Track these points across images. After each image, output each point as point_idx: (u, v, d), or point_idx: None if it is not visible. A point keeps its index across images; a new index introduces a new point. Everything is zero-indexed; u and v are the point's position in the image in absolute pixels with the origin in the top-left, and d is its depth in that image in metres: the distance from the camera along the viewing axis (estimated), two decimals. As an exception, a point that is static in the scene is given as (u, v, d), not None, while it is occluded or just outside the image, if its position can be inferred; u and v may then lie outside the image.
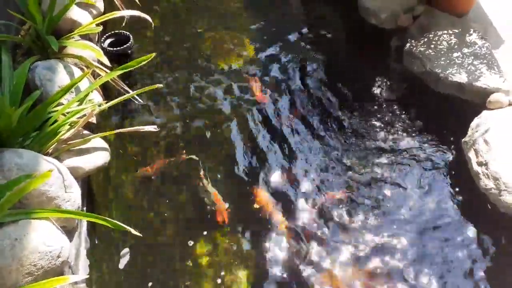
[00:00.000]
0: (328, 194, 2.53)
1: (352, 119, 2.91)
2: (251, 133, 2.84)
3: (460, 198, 2.50)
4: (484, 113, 2.60)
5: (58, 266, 1.73)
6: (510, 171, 2.27)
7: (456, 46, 2.92)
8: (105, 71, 2.52)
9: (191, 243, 2.31)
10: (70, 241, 1.95)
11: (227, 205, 2.45)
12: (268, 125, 2.89)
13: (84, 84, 2.33)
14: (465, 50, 2.89)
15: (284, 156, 2.72)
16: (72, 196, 1.93)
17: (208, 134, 2.84)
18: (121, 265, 2.20)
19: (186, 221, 2.41)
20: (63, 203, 1.88)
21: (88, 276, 1.93)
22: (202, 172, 2.59)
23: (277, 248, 2.30)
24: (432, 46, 2.96)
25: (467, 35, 2.97)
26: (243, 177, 2.61)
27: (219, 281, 2.19)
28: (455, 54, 2.88)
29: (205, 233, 2.34)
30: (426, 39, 3.01)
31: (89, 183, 2.47)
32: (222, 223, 2.38)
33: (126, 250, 2.26)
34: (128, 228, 1.86)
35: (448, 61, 2.85)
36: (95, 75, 2.64)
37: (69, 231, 1.99)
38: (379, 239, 2.34)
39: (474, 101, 2.73)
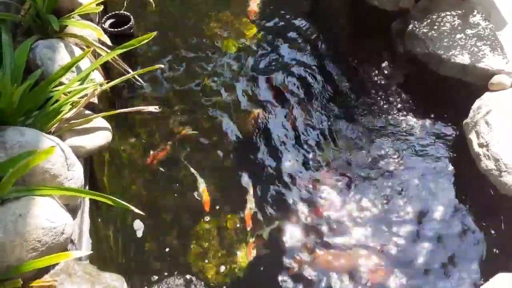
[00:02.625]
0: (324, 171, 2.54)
1: (352, 101, 2.91)
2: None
3: (461, 179, 2.51)
4: (486, 95, 2.59)
5: (62, 242, 1.76)
6: (511, 152, 2.27)
7: (459, 28, 2.90)
8: (106, 51, 2.50)
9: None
10: (73, 219, 1.96)
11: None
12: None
13: (85, 64, 2.33)
14: (468, 31, 2.87)
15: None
16: (74, 175, 1.94)
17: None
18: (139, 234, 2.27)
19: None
20: (66, 181, 1.89)
21: (91, 252, 1.95)
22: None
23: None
24: (435, 27, 2.93)
25: (470, 16, 2.94)
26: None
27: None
28: (458, 36, 2.86)
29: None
30: (429, 21, 2.98)
31: (91, 163, 2.47)
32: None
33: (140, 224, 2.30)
34: (130, 206, 1.87)
35: (451, 43, 2.83)
36: (96, 56, 2.62)
37: (72, 210, 2.00)
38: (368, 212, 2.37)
39: (476, 83, 2.72)
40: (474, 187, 2.45)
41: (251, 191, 2.47)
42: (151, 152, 2.61)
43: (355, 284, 2.14)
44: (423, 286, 2.14)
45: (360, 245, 2.27)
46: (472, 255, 2.23)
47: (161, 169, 2.56)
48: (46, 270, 1.72)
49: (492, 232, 2.29)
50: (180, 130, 2.73)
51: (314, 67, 3.12)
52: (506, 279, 1.84)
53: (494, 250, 2.23)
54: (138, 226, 2.31)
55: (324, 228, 2.33)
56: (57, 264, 1.74)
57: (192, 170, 2.54)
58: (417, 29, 2.96)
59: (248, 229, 2.33)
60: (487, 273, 2.04)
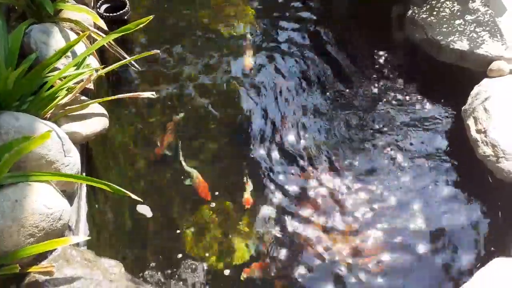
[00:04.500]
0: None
1: (351, 87, 2.89)
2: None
3: (458, 165, 2.52)
4: (485, 81, 2.58)
5: (59, 228, 1.75)
6: (508, 138, 2.27)
7: (458, 13, 2.88)
8: (101, 35, 2.46)
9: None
10: (70, 205, 1.95)
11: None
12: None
13: (80, 49, 2.29)
14: (468, 17, 2.85)
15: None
16: (71, 161, 1.92)
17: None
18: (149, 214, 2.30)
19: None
20: (63, 168, 1.88)
21: (89, 238, 1.94)
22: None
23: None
24: (435, 13, 2.91)
25: (470, 2, 2.92)
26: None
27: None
28: (457, 22, 2.84)
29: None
30: (428, 6, 2.96)
31: (88, 149, 2.46)
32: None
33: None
34: (128, 192, 1.86)
35: (450, 29, 2.81)
36: (91, 42, 2.58)
37: (69, 196, 1.99)
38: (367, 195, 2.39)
39: (475, 70, 2.70)
40: (471, 173, 2.46)
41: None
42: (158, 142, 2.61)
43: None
44: (416, 270, 2.15)
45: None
46: (468, 240, 2.24)
47: (167, 152, 2.56)
48: (44, 256, 1.71)
49: (489, 217, 2.30)
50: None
51: (313, 51, 3.10)
52: (502, 263, 1.86)
53: (491, 235, 2.24)
54: (145, 210, 2.30)
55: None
56: (54, 250, 1.74)
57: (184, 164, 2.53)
58: (417, 15, 2.93)
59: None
60: (483, 258, 2.06)
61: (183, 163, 2.51)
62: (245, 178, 2.47)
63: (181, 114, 2.74)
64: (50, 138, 1.67)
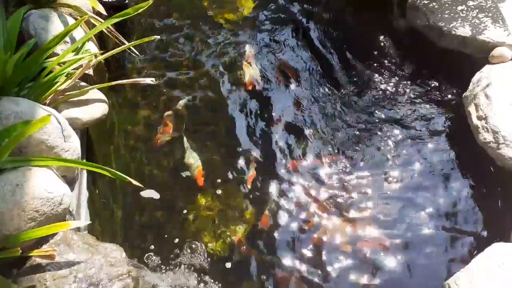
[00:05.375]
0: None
1: (352, 74, 2.88)
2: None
3: (458, 152, 2.51)
4: (486, 67, 2.57)
5: (60, 213, 1.75)
6: (509, 125, 2.26)
7: (460, -1, 2.85)
8: (100, 21, 2.45)
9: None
10: (71, 191, 1.96)
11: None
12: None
13: (79, 35, 2.28)
14: (470, 3, 2.82)
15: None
16: (71, 146, 1.92)
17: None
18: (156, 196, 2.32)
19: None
20: (63, 153, 1.88)
21: (89, 222, 1.95)
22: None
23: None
24: (437, -1, 2.88)
25: (472, -13, 2.89)
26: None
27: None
28: (459, 7, 2.81)
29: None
30: (430, -8, 2.92)
31: (88, 136, 2.46)
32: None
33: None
34: (128, 178, 1.87)
35: (452, 14, 2.79)
36: (90, 28, 2.56)
37: (69, 182, 2.00)
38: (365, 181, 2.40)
39: (477, 56, 2.69)
40: (471, 159, 2.46)
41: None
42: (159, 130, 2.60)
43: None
44: (416, 256, 2.16)
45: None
46: (468, 225, 2.25)
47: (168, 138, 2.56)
48: (45, 240, 1.72)
49: (488, 203, 2.31)
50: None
51: (314, 37, 3.08)
52: (502, 248, 1.86)
53: (490, 221, 2.25)
54: (150, 193, 2.32)
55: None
56: (56, 234, 1.75)
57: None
58: (418, 1, 2.91)
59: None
60: (483, 243, 2.07)
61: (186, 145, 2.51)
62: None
63: (184, 100, 2.72)
64: (50, 121, 1.66)
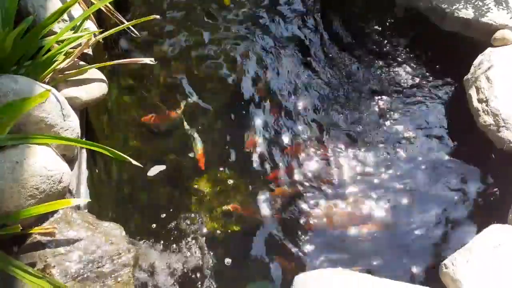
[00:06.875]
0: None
1: (354, 56, 2.86)
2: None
3: (458, 135, 2.51)
4: (488, 50, 2.55)
5: (60, 191, 1.76)
6: (510, 108, 2.26)
7: (464, -19, 2.81)
8: (99, -1, 2.41)
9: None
10: (71, 170, 1.96)
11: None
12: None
13: (78, 13, 2.25)
14: (474, -16, 2.78)
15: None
16: (71, 125, 1.92)
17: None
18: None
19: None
20: (62, 132, 1.87)
21: (89, 200, 1.96)
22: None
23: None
24: (440, -20, 2.84)
25: (476, -31, 2.84)
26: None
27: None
28: (462, -11, 2.78)
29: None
30: (434, -27, 2.88)
31: (87, 116, 2.45)
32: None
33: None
34: (128, 158, 1.87)
35: (455, -4, 2.75)
36: (89, 7, 2.53)
37: (69, 161, 2.00)
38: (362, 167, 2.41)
39: (479, 38, 2.66)
40: (471, 143, 2.46)
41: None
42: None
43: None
44: (416, 239, 2.18)
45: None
46: (466, 207, 2.27)
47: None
48: (45, 217, 1.73)
49: (487, 186, 2.32)
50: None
51: (314, 18, 3.05)
52: (499, 229, 1.88)
53: (489, 203, 2.26)
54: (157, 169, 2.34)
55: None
56: (56, 212, 1.76)
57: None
58: (421, -18, 2.87)
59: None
60: (480, 225, 2.08)
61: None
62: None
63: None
64: (49, 96, 1.65)
